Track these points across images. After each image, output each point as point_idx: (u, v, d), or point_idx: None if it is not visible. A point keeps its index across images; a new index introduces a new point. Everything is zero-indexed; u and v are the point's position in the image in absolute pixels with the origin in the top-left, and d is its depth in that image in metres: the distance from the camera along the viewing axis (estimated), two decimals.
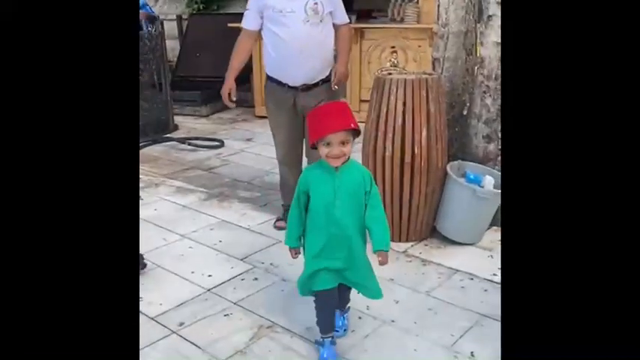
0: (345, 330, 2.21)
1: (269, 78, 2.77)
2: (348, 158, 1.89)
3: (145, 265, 2.78)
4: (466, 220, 3.00)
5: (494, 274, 2.74)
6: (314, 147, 1.88)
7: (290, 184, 2.99)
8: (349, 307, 2.26)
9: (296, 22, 2.50)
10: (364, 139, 2.98)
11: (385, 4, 5.92)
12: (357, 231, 1.95)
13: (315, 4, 2.49)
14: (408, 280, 2.68)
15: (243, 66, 3.03)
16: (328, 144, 1.80)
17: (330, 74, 2.82)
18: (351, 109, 1.94)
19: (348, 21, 2.79)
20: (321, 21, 2.56)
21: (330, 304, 2.06)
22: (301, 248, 2.12)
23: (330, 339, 2.06)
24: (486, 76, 3.01)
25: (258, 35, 2.79)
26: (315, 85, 2.68)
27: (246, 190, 4.01)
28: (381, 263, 1.96)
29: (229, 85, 2.91)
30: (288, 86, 2.65)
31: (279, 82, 2.66)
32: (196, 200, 3.82)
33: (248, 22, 2.67)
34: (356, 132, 1.88)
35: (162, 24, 5.69)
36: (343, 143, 1.80)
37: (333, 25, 2.71)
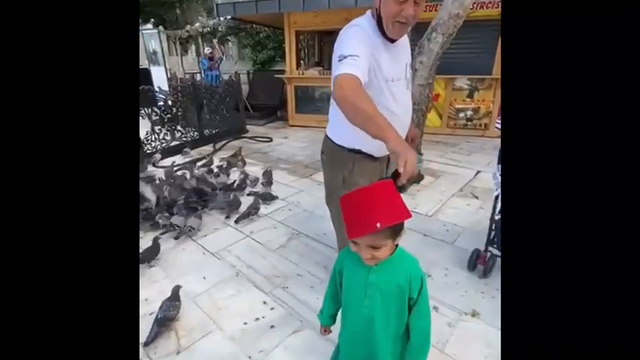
0: None
1: (356, 151, 1.30)
2: (396, 247, 0.86)
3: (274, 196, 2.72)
4: None
5: (415, 208, 2.72)
6: None
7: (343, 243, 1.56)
8: None
9: (401, 90, 1.23)
10: None
11: None
12: (386, 337, 0.89)
13: (411, 64, 1.30)
14: None
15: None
16: (356, 243, 0.81)
17: None
18: (394, 192, 0.79)
19: None
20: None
21: None
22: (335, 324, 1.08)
23: None
24: (414, 102, 2.92)
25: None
26: None
27: (284, 164, 3.96)
28: None
29: (412, 151, 0.95)
30: (376, 157, 1.33)
31: (369, 156, 1.31)
32: (258, 169, 3.77)
33: (362, 71, 1.03)
34: (395, 228, 0.78)
35: (239, 75, 5.53)
36: (373, 247, 0.79)
37: None
